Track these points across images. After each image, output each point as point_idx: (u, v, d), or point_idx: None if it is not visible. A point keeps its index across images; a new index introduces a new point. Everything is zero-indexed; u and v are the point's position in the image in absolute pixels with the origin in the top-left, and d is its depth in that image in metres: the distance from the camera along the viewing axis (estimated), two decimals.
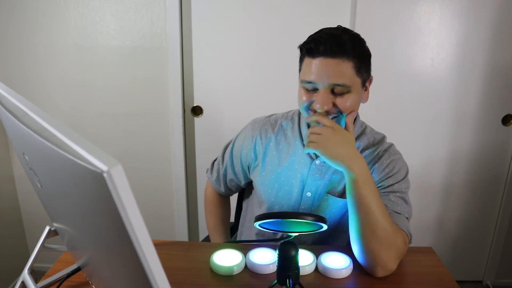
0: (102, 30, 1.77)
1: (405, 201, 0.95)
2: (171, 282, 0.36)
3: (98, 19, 1.76)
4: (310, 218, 0.72)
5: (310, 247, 0.95)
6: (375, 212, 0.84)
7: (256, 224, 0.76)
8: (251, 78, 1.83)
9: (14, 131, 0.55)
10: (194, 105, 1.91)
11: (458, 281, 0.86)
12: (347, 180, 0.86)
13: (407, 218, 0.94)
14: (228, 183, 1.17)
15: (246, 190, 1.22)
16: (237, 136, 1.13)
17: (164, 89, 1.85)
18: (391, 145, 1.02)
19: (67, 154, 0.35)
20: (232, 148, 1.13)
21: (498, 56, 1.76)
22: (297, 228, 0.77)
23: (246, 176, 1.13)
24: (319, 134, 0.87)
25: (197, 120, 1.93)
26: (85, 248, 0.59)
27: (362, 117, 1.07)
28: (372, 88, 1.82)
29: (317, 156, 0.99)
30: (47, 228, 0.76)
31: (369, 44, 1.83)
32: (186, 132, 1.95)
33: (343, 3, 1.73)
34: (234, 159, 1.12)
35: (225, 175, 1.16)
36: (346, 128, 0.90)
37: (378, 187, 0.94)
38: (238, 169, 1.12)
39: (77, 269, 0.83)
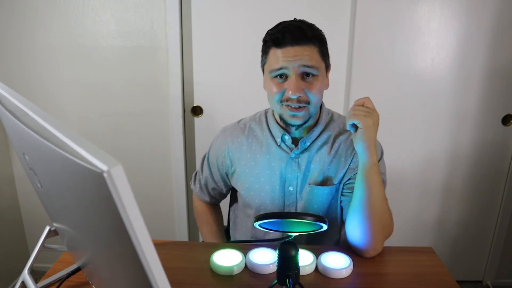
0: (102, 30, 1.77)
1: (383, 181, 0.98)
2: (171, 282, 0.36)
3: (98, 19, 1.76)
4: (310, 218, 0.72)
5: (310, 247, 0.95)
6: (381, 197, 0.90)
7: (256, 224, 0.76)
8: (251, 77, 1.83)
9: (14, 131, 0.55)
10: (194, 105, 1.91)
11: (458, 281, 0.86)
12: (364, 164, 0.88)
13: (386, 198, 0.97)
14: (212, 192, 1.19)
15: (230, 198, 1.24)
16: (210, 147, 1.15)
17: (164, 89, 1.85)
18: None
19: (67, 154, 0.35)
20: (208, 158, 1.15)
21: (498, 56, 1.76)
22: (297, 228, 0.77)
23: (226, 184, 1.15)
24: (367, 111, 0.87)
25: (197, 120, 1.93)
26: (85, 248, 0.59)
27: None
28: (373, 88, 1.83)
29: (291, 150, 1.01)
30: (47, 228, 0.76)
31: (369, 44, 1.85)
32: (186, 132, 1.95)
33: (343, 3, 1.73)
34: (212, 169, 1.14)
35: (206, 185, 1.18)
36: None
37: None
38: (217, 178, 1.14)
39: (77, 269, 0.83)
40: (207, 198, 1.21)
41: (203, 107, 1.91)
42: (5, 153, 1.97)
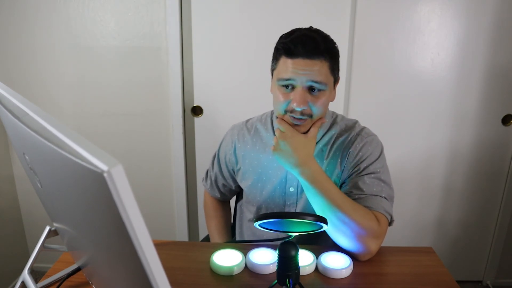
0: (102, 30, 1.77)
1: (381, 180, 0.97)
2: (171, 282, 0.36)
3: (98, 19, 1.76)
4: (310, 218, 0.72)
5: (310, 247, 0.95)
6: (332, 208, 0.87)
7: (256, 224, 0.76)
8: (251, 78, 1.83)
9: (14, 131, 0.55)
10: (194, 105, 1.91)
11: (458, 281, 0.86)
12: (300, 179, 0.91)
13: (385, 197, 0.95)
14: (221, 189, 1.22)
15: (238, 194, 1.26)
16: (220, 144, 1.18)
17: (164, 89, 1.85)
18: (363, 128, 1.04)
19: (67, 154, 0.35)
20: (218, 155, 1.19)
21: (498, 56, 1.76)
22: (297, 228, 0.77)
23: (234, 180, 1.17)
24: (276, 143, 0.93)
25: (197, 120, 1.93)
26: (85, 248, 0.59)
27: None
28: (372, 88, 1.83)
29: None
30: (47, 228, 0.76)
31: (369, 44, 1.85)
32: (186, 132, 1.95)
33: (343, 3, 1.73)
34: (221, 165, 1.17)
35: (216, 181, 1.21)
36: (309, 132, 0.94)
37: (354, 171, 0.98)
38: (226, 174, 1.17)
39: (77, 269, 0.83)
40: (217, 194, 1.24)
41: (203, 107, 1.91)
42: (5, 153, 1.96)
